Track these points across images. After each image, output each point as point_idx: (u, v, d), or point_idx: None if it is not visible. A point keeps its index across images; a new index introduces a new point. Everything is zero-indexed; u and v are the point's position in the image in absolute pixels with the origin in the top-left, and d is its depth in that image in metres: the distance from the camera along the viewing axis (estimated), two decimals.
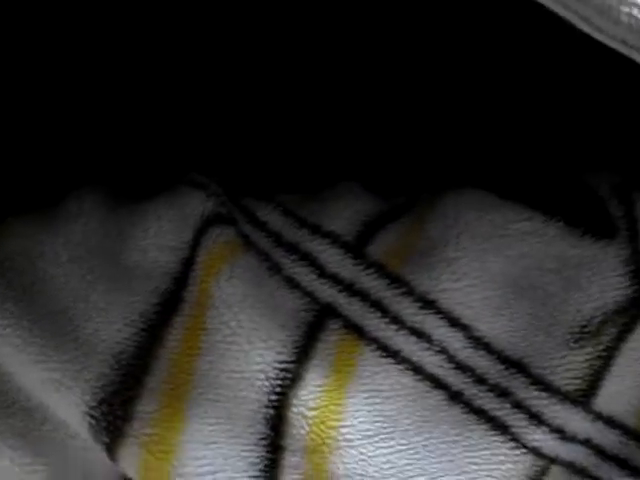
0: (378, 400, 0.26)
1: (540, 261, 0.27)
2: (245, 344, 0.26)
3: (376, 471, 0.26)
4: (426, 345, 0.27)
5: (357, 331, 0.27)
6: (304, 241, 0.28)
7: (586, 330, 0.27)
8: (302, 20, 0.29)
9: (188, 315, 0.27)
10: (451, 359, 0.27)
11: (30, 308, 0.27)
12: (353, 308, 0.27)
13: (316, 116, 0.29)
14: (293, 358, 0.26)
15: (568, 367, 0.27)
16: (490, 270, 0.27)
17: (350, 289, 0.27)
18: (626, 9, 0.18)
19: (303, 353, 0.26)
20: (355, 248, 0.27)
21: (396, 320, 0.27)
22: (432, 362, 0.27)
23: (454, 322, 0.27)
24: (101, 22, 0.28)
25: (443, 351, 0.27)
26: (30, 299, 0.27)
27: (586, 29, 0.18)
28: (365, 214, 0.28)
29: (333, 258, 0.27)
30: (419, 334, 0.27)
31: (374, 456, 0.26)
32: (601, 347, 0.27)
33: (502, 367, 0.27)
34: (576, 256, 0.27)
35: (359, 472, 0.26)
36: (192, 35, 0.29)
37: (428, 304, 0.27)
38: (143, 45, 0.29)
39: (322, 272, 0.27)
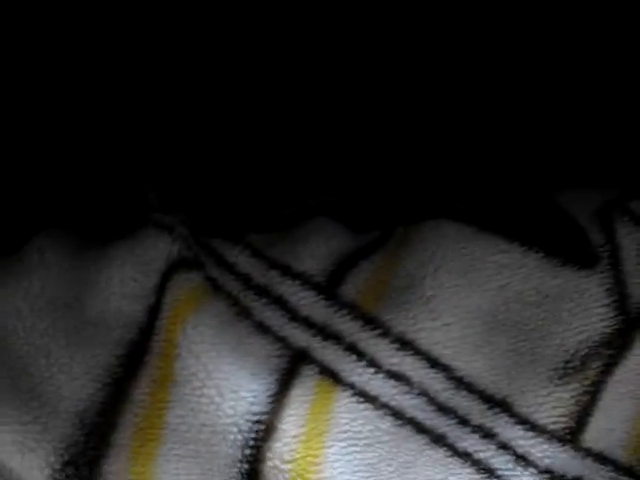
0: (358, 448, 0.25)
1: (520, 294, 0.26)
2: (216, 396, 0.25)
3: None
4: (405, 388, 0.25)
5: (333, 376, 0.26)
6: (274, 283, 0.26)
7: (570, 365, 0.26)
8: (277, 64, 0.28)
9: (155, 367, 0.26)
10: (432, 401, 0.26)
11: None
12: (328, 352, 0.26)
13: (286, 152, 0.28)
14: (267, 409, 0.25)
15: (554, 404, 0.26)
16: (468, 306, 0.26)
17: (324, 332, 0.26)
18: None
19: (277, 402, 0.25)
20: (327, 289, 0.26)
21: (373, 363, 0.26)
22: (412, 405, 0.26)
23: (433, 362, 0.26)
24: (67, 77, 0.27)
25: (423, 393, 0.26)
26: None
27: None
28: (337, 252, 0.27)
29: (305, 300, 0.26)
30: (397, 377, 0.25)
31: None
32: (587, 382, 0.26)
33: (485, 407, 0.26)
34: (557, 287, 0.26)
35: None
36: (158, 86, 0.28)
37: (406, 345, 0.26)
38: (104, 91, 0.28)
39: (294, 316, 0.26)
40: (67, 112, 0.28)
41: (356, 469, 0.25)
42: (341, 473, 0.25)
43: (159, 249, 0.27)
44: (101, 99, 0.28)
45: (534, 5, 0.26)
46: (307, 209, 0.28)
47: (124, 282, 0.26)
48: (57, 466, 0.25)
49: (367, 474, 0.25)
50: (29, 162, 0.28)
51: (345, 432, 0.25)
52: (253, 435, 0.25)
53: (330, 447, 0.25)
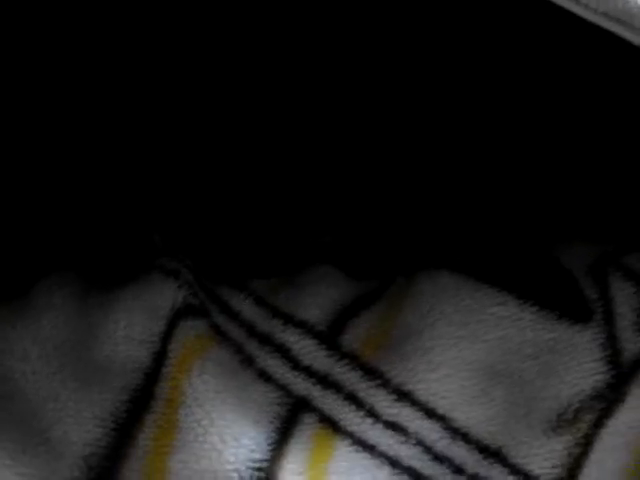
0: None
1: (516, 346, 0.27)
2: (218, 443, 0.26)
3: None
4: (402, 438, 0.26)
5: (332, 425, 0.26)
6: (277, 331, 0.27)
7: (564, 417, 0.27)
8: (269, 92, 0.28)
9: (160, 413, 0.26)
10: (428, 450, 0.26)
11: None
12: (327, 401, 0.26)
13: (289, 200, 0.29)
14: (267, 456, 0.26)
15: (547, 456, 0.27)
16: (466, 358, 0.27)
17: (324, 381, 0.27)
18: None
19: (277, 450, 0.26)
20: (328, 338, 0.27)
21: (371, 413, 0.26)
22: (409, 455, 0.26)
23: (430, 413, 0.26)
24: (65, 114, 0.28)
25: (420, 443, 0.26)
26: None
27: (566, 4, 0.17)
28: (338, 301, 0.28)
29: (306, 349, 0.27)
30: (395, 427, 0.26)
31: None
32: (579, 434, 0.27)
33: (480, 457, 0.27)
34: (552, 341, 0.27)
35: None
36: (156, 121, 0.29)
37: (404, 396, 0.26)
38: (111, 137, 0.28)
39: (296, 364, 0.27)
40: (74, 155, 0.29)
41: None
42: None
43: (165, 295, 0.27)
44: (108, 143, 0.29)
45: (530, 66, 0.27)
46: (309, 256, 0.29)
47: (131, 327, 0.27)
48: None
49: None
50: (36, 204, 0.29)
51: None
52: None
53: None
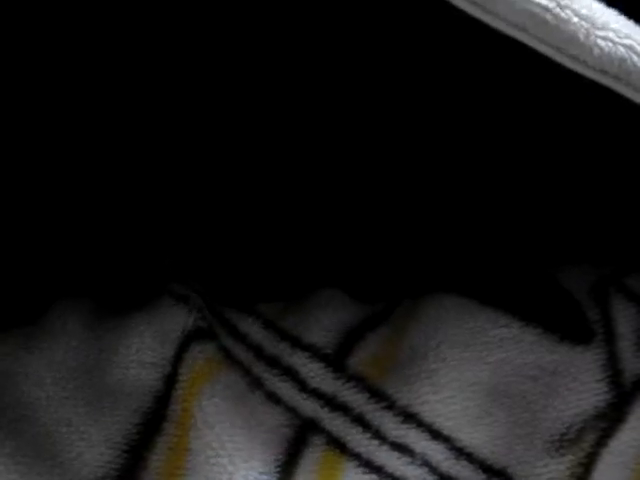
0: None
1: (519, 367, 0.28)
2: (228, 465, 0.26)
3: None
4: (409, 459, 0.27)
5: (340, 447, 0.27)
6: (285, 355, 0.28)
7: (566, 437, 0.27)
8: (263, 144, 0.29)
9: (171, 435, 0.27)
10: (434, 471, 0.27)
11: (13, 433, 0.27)
12: (335, 423, 0.27)
13: (296, 226, 0.30)
14: (276, 477, 0.26)
15: (550, 475, 0.27)
16: (469, 379, 0.27)
17: (332, 403, 0.27)
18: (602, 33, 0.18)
19: (286, 471, 0.27)
20: (335, 361, 0.28)
21: (378, 435, 0.27)
22: (415, 475, 0.27)
23: (435, 434, 0.27)
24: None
25: (426, 464, 0.27)
26: (12, 422, 0.27)
27: (567, 63, 0.18)
28: (345, 324, 0.28)
29: (314, 372, 0.27)
30: (401, 448, 0.27)
31: None
32: (582, 454, 0.27)
33: (485, 477, 0.27)
34: (554, 362, 0.28)
35: None
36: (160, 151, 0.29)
37: (409, 417, 0.27)
38: (120, 163, 0.29)
39: (303, 386, 0.27)
40: (87, 181, 0.29)
41: None
42: None
43: (176, 320, 0.28)
44: (118, 170, 0.29)
45: (534, 107, 0.27)
46: (315, 279, 0.30)
47: (142, 351, 0.28)
48: None
49: None
50: (50, 230, 0.29)
51: None
52: None
53: None
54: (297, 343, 0.28)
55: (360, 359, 0.28)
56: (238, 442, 0.26)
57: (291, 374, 0.27)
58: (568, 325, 0.28)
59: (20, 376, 0.27)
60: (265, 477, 0.26)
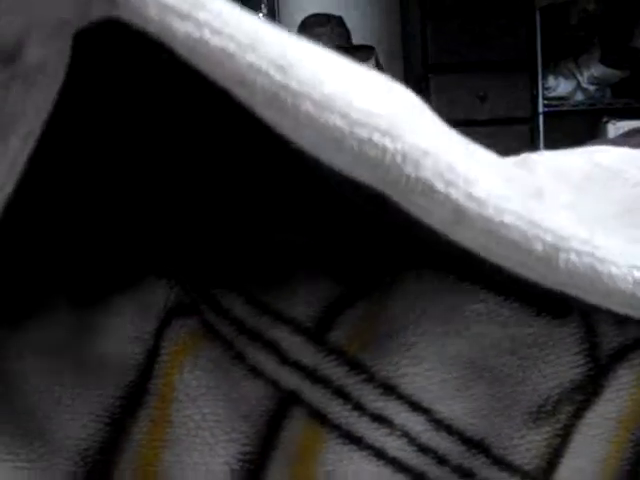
0: None
1: (496, 341, 0.28)
2: (209, 437, 0.27)
3: None
4: (388, 430, 0.27)
5: (320, 418, 0.27)
6: (267, 328, 0.28)
7: (543, 410, 0.28)
8: None
9: (153, 408, 0.27)
10: (413, 442, 0.27)
11: None
12: (316, 395, 0.27)
13: (277, 204, 0.30)
14: (257, 449, 0.27)
15: (528, 447, 0.28)
16: (448, 352, 0.28)
17: (313, 376, 0.27)
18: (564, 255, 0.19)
19: (267, 443, 0.27)
20: (316, 335, 0.28)
21: (358, 406, 0.27)
22: (394, 446, 0.27)
23: (415, 406, 0.27)
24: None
25: (405, 435, 0.27)
26: None
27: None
28: (325, 299, 0.29)
29: (295, 345, 0.28)
30: (381, 420, 0.27)
31: None
32: (559, 425, 0.28)
33: (464, 448, 0.28)
34: (531, 335, 0.28)
35: None
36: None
37: (389, 389, 0.27)
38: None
39: (284, 360, 0.28)
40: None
41: None
42: None
43: (157, 294, 0.28)
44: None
45: None
46: (296, 256, 0.30)
47: (124, 326, 0.28)
48: None
49: None
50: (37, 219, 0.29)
51: (330, 472, 0.27)
52: (244, 474, 0.26)
53: None
54: (278, 317, 0.28)
55: (340, 333, 0.28)
56: (220, 415, 0.27)
57: (272, 347, 0.28)
58: (544, 299, 0.28)
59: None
60: (247, 449, 0.27)
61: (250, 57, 0.18)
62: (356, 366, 0.27)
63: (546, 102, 1.51)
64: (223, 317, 0.28)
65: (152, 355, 0.27)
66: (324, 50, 0.20)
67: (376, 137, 0.19)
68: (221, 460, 0.26)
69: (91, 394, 0.27)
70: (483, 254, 0.20)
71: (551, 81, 1.57)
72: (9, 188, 0.19)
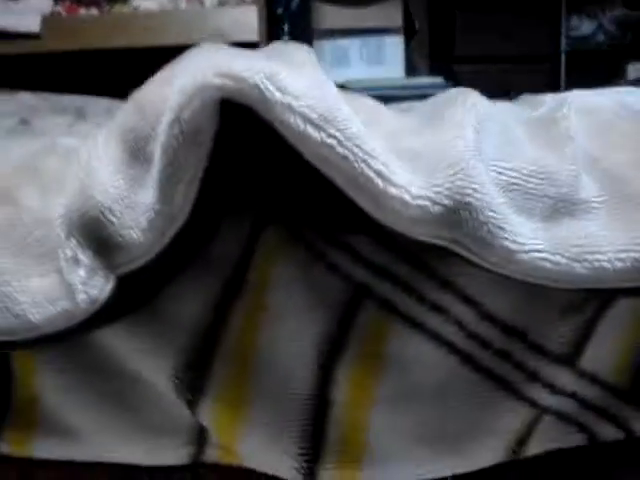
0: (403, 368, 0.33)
1: None
2: (296, 321, 0.32)
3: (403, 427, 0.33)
4: (444, 318, 0.33)
5: (388, 308, 0.33)
6: (343, 234, 0.33)
7: (574, 304, 0.33)
8: None
9: (249, 298, 0.32)
10: (464, 329, 0.33)
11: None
12: (385, 289, 0.33)
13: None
14: (335, 332, 0.32)
15: (558, 334, 0.33)
16: None
17: (382, 273, 0.33)
18: None
19: (344, 327, 0.32)
20: (386, 239, 0.33)
21: (421, 298, 0.33)
22: (449, 332, 0.33)
23: (467, 299, 0.33)
24: None
25: (458, 323, 0.33)
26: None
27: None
28: None
29: (368, 247, 0.33)
30: (439, 309, 0.33)
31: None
32: (584, 317, 0.33)
33: (504, 335, 0.33)
34: None
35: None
36: None
37: (447, 284, 0.33)
38: None
39: (358, 258, 0.33)
40: None
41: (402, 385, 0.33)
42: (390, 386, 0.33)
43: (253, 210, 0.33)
44: None
45: None
46: None
47: (224, 230, 0.33)
48: (177, 368, 0.32)
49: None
50: None
51: (396, 351, 0.33)
52: (326, 355, 0.32)
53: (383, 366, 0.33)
54: None
55: (407, 238, 0.33)
56: (306, 300, 0.32)
57: (348, 248, 0.33)
58: None
59: None
60: (327, 335, 0.32)
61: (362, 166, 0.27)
62: (420, 265, 0.33)
63: (568, 42, 1.52)
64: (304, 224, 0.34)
65: (248, 254, 0.33)
66: None
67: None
68: (305, 343, 0.32)
69: (199, 283, 0.32)
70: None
71: (574, 21, 1.59)
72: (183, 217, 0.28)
